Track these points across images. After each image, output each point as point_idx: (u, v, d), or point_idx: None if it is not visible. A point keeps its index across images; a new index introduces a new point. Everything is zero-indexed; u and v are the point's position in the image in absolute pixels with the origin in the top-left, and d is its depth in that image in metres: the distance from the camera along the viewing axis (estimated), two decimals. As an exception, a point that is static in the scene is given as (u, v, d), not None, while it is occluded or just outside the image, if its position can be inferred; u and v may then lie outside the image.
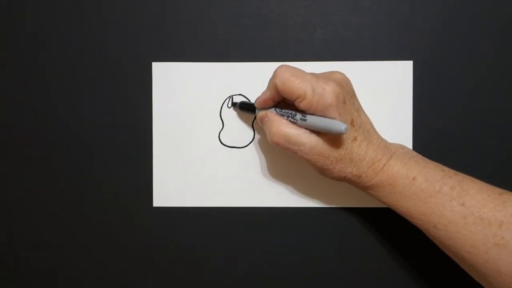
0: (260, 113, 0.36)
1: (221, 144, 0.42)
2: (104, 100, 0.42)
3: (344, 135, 0.33)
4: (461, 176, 0.33)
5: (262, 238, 0.42)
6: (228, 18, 0.41)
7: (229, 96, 0.42)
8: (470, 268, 0.32)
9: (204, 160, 0.42)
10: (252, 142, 0.42)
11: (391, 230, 0.41)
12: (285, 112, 0.35)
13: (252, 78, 0.41)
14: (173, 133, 0.42)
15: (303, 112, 0.33)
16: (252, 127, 0.42)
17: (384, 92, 0.41)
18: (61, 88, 0.42)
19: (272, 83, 0.34)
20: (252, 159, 0.42)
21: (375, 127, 0.35)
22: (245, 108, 0.40)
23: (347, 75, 0.34)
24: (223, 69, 0.41)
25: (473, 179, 0.33)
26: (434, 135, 0.41)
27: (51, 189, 0.42)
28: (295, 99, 0.33)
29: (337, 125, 0.30)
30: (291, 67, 0.33)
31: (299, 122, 0.33)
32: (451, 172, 0.33)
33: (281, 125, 0.34)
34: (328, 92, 0.32)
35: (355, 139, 0.33)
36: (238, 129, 0.42)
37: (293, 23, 0.41)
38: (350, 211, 0.41)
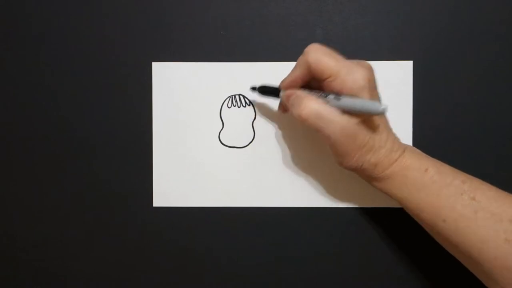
0: (286, 91, 0.35)
1: (221, 144, 0.42)
2: (104, 100, 0.42)
3: (369, 122, 0.32)
4: (470, 176, 0.33)
5: (262, 238, 0.42)
6: (228, 18, 0.41)
7: (229, 96, 0.42)
8: (477, 265, 0.32)
9: (204, 160, 0.42)
10: (252, 142, 0.42)
11: (391, 230, 0.41)
12: (315, 92, 0.34)
13: (252, 78, 0.41)
14: (173, 133, 0.42)
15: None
16: (252, 127, 0.42)
17: (384, 92, 0.41)
18: (61, 88, 0.42)
19: (304, 61, 0.33)
20: (252, 159, 0.42)
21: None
22: (267, 92, 0.38)
23: None
24: (223, 69, 0.41)
25: (481, 180, 0.33)
26: (434, 135, 0.41)
27: (51, 189, 0.42)
28: (327, 78, 0.32)
29: (375, 105, 0.29)
30: (323, 46, 0.33)
31: (332, 102, 0.32)
32: (460, 171, 0.34)
33: (311, 100, 0.32)
34: (362, 74, 0.32)
35: (378, 126, 0.33)
36: (238, 129, 0.42)
37: (293, 23, 0.41)
38: (350, 211, 0.41)
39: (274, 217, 0.42)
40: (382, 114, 0.29)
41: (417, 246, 0.41)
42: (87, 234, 0.42)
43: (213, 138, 0.42)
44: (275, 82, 0.41)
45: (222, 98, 0.42)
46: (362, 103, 0.31)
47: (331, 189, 0.41)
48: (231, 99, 0.42)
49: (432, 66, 0.41)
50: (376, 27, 0.41)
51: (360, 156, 0.33)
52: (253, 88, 0.40)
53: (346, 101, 0.31)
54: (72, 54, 0.42)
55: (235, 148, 0.42)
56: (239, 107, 0.41)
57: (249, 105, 0.42)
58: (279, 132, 0.42)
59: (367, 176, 0.35)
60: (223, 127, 0.42)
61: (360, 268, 0.41)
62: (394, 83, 0.41)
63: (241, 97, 0.41)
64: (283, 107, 0.39)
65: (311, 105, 0.32)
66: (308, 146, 0.41)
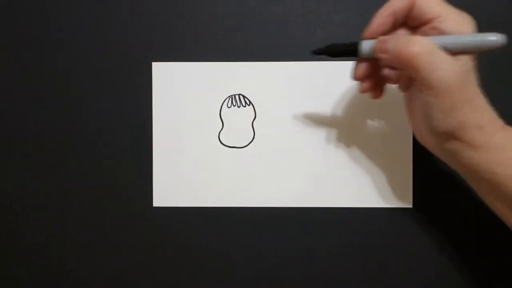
0: (380, 37, 0.31)
1: (221, 144, 0.42)
2: (104, 100, 0.42)
3: (475, 75, 0.29)
4: None
5: (262, 238, 0.42)
6: (228, 18, 0.41)
7: (229, 96, 0.42)
8: None
9: (204, 160, 0.42)
10: (252, 142, 0.42)
11: (391, 230, 0.41)
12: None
13: (252, 78, 0.41)
14: (173, 133, 0.42)
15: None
16: (252, 127, 0.42)
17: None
18: (61, 88, 0.42)
19: None
20: (252, 159, 0.42)
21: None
22: (340, 51, 0.32)
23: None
24: (223, 69, 0.41)
25: None
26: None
27: (50, 189, 0.42)
28: (435, 18, 0.29)
29: (491, 35, 0.27)
30: None
31: (438, 41, 0.29)
32: None
33: (422, 37, 0.28)
34: (470, 20, 0.29)
35: (479, 86, 0.30)
36: (238, 129, 0.42)
37: (293, 23, 0.41)
38: (350, 211, 0.41)
39: (274, 217, 0.42)
40: (501, 43, 0.27)
41: (418, 246, 0.41)
42: (87, 234, 0.42)
43: (213, 138, 0.42)
44: (275, 82, 0.41)
45: (222, 98, 0.42)
46: (477, 36, 0.28)
47: (331, 189, 0.41)
48: (231, 99, 0.42)
49: (432, 66, 0.41)
50: (376, 27, 0.41)
51: (467, 112, 0.28)
52: (317, 51, 0.34)
53: (458, 36, 0.28)
54: (72, 54, 0.42)
55: (235, 148, 0.42)
56: (239, 107, 0.42)
57: (249, 105, 0.42)
58: (279, 132, 0.42)
59: (465, 144, 0.29)
60: (223, 127, 0.42)
61: (360, 268, 0.41)
62: (394, 83, 0.41)
63: (241, 97, 0.42)
64: (359, 71, 0.33)
65: (423, 41, 0.28)
66: (308, 146, 0.41)
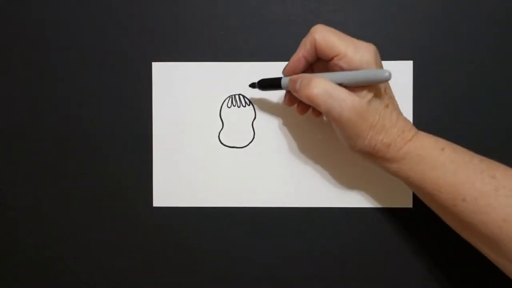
0: (292, 76, 0.35)
1: (221, 144, 0.42)
2: (104, 100, 0.42)
3: (378, 101, 0.33)
4: (486, 158, 0.33)
5: (262, 238, 0.42)
6: (228, 18, 0.41)
7: (229, 96, 0.42)
8: (494, 245, 0.31)
9: (204, 160, 0.42)
10: (252, 142, 0.42)
11: (391, 230, 0.41)
12: (320, 74, 0.34)
13: (252, 78, 0.41)
14: (173, 133, 0.42)
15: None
16: (252, 127, 0.42)
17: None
18: (61, 88, 0.42)
19: (310, 40, 0.33)
20: (252, 159, 0.42)
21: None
22: (268, 85, 0.38)
23: None
24: (223, 69, 0.41)
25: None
26: (434, 135, 0.41)
27: (51, 189, 0.42)
28: (334, 56, 0.32)
29: (380, 72, 0.30)
30: (328, 26, 0.34)
31: (337, 78, 0.32)
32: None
33: (321, 79, 0.32)
34: (368, 50, 0.32)
35: (387, 106, 0.33)
36: (238, 129, 0.42)
37: (293, 23, 0.41)
38: (350, 211, 0.41)
39: (274, 217, 0.41)
40: (388, 79, 0.30)
41: (418, 246, 0.41)
42: (87, 234, 0.42)
43: (213, 138, 0.42)
44: (275, 82, 0.41)
45: (222, 98, 0.42)
46: (368, 72, 0.31)
47: (331, 189, 0.41)
48: (231, 99, 0.42)
49: (432, 66, 0.41)
50: (376, 27, 0.41)
51: (373, 136, 0.33)
52: (253, 85, 0.40)
53: (351, 74, 0.32)
54: (72, 54, 0.42)
55: (235, 148, 0.42)
56: (239, 107, 0.42)
57: (249, 105, 0.42)
58: (279, 132, 0.42)
59: (380, 158, 0.34)
60: (223, 127, 0.42)
61: (360, 268, 0.41)
62: (394, 83, 0.41)
63: (241, 97, 0.42)
64: (289, 99, 0.38)
65: (321, 83, 0.32)
66: (308, 146, 0.41)
